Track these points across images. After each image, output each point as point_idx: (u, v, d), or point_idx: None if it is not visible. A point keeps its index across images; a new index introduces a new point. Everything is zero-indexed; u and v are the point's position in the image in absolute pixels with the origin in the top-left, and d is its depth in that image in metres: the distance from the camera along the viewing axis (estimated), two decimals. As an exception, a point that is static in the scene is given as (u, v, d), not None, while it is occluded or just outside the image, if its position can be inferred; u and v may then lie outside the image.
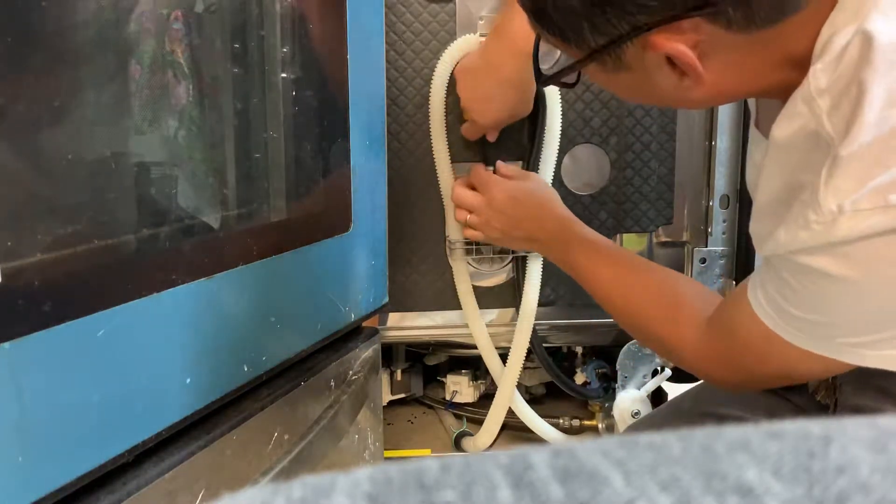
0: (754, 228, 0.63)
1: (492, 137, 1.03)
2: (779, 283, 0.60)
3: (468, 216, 0.97)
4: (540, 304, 1.10)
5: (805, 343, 0.61)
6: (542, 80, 0.68)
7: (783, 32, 0.54)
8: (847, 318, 0.57)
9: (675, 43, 0.54)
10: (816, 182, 0.52)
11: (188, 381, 0.61)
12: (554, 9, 0.55)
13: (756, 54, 0.56)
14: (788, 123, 0.56)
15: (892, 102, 0.49)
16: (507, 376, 1.13)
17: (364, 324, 0.95)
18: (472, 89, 0.97)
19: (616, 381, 1.21)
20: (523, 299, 1.09)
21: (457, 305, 1.11)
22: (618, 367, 1.20)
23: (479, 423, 1.22)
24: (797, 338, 0.61)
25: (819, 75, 0.53)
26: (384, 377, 1.26)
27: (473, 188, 0.99)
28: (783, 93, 0.57)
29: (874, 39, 0.50)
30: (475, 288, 1.11)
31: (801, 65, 0.55)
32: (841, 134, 0.51)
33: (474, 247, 1.09)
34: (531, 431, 1.22)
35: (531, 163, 1.05)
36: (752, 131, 0.73)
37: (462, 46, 1.01)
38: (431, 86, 1.03)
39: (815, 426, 0.21)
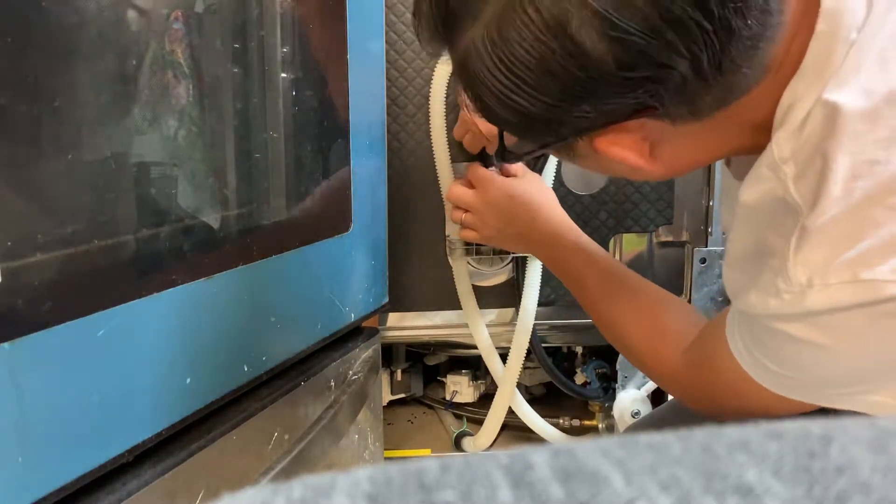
0: (727, 276, 0.63)
1: (491, 149, 1.03)
2: (753, 339, 0.60)
3: (463, 215, 0.97)
4: (540, 304, 1.10)
5: (780, 391, 0.61)
6: (507, 159, 0.69)
7: (739, 109, 0.53)
8: (819, 375, 0.58)
9: (618, 147, 0.54)
10: (786, 251, 0.52)
11: (188, 381, 0.61)
12: (499, 120, 0.55)
13: (713, 133, 0.55)
14: (755, 188, 0.55)
15: (857, 175, 0.49)
16: (507, 376, 1.13)
17: (364, 324, 0.95)
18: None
19: (616, 381, 1.21)
20: (523, 299, 1.09)
21: (457, 305, 1.11)
22: (618, 367, 1.20)
23: (479, 423, 1.22)
24: (771, 384, 0.61)
25: (782, 143, 0.52)
26: (384, 377, 1.26)
27: (472, 187, 0.99)
28: (751, 151, 0.57)
29: (836, 110, 0.49)
30: (475, 288, 1.11)
31: (765, 129, 0.54)
32: (809, 204, 0.51)
33: (474, 247, 1.09)
34: (531, 431, 1.22)
35: (531, 162, 1.05)
36: (724, 171, 0.72)
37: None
38: (432, 86, 1.03)
39: (815, 426, 0.21)
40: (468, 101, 0.56)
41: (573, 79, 0.48)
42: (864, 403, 0.58)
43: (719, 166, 1.10)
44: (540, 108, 0.51)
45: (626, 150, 0.54)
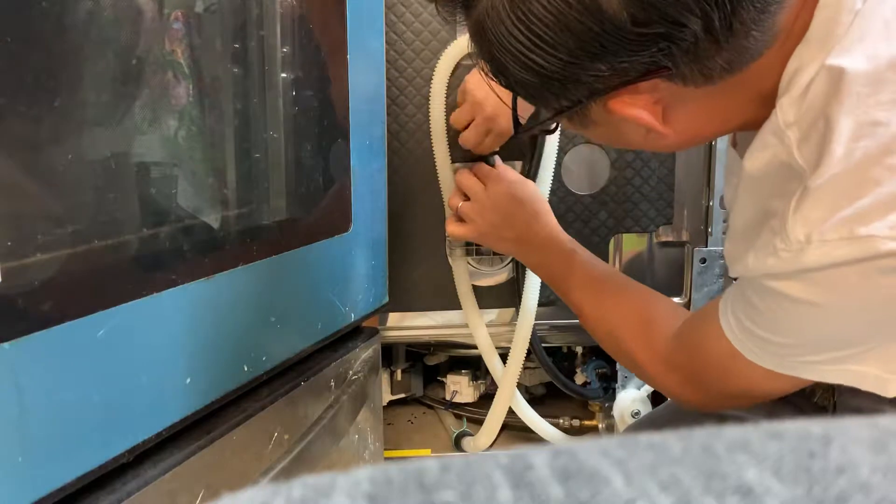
0: (728, 249, 0.64)
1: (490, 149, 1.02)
2: (745, 304, 0.61)
3: (461, 204, 0.96)
4: (540, 304, 1.10)
5: (767, 362, 0.62)
6: (520, 131, 0.69)
7: (748, 76, 0.54)
8: (809, 338, 0.58)
9: (632, 107, 0.55)
10: (786, 211, 0.53)
11: (188, 381, 0.61)
12: (516, 82, 0.56)
13: (722, 99, 0.56)
14: (760, 155, 0.57)
15: (859, 136, 0.50)
16: (507, 376, 1.13)
17: (364, 324, 0.95)
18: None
19: (616, 381, 1.21)
20: (523, 299, 1.09)
21: (457, 305, 1.11)
22: (618, 367, 1.20)
23: (479, 423, 1.22)
24: (760, 357, 0.62)
25: (786, 109, 0.54)
26: (384, 377, 1.26)
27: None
28: (758, 125, 0.58)
29: (839, 75, 0.51)
30: (475, 288, 1.11)
31: (771, 101, 0.56)
32: (812, 166, 0.52)
33: (474, 247, 1.09)
34: (531, 431, 1.22)
35: (532, 162, 1.05)
36: (730, 152, 0.73)
37: (463, 46, 1.01)
38: (432, 86, 1.03)
39: (815, 426, 0.21)
40: (484, 66, 0.57)
41: (590, 35, 0.49)
42: (850, 374, 0.58)
43: (718, 166, 1.10)
44: (557, 66, 0.52)
45: (638, 110, 0.55)
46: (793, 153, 0.53)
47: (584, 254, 0.89)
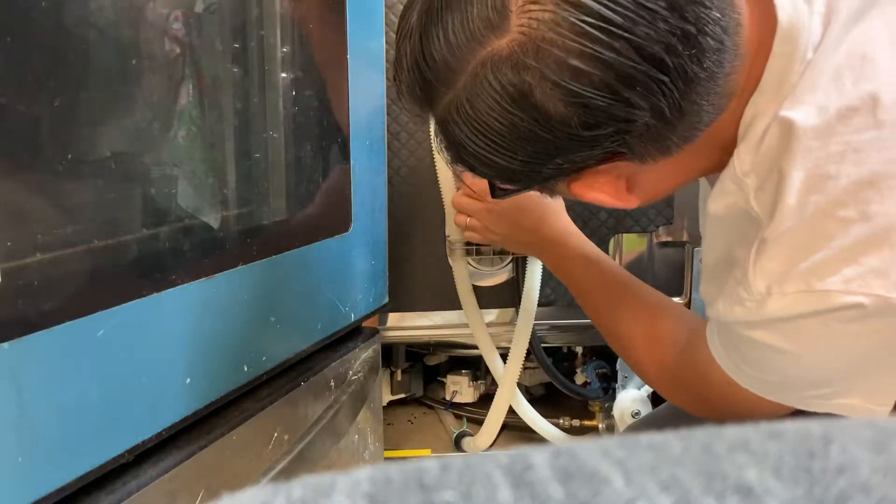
0: (702, 291, 0.65)
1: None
2: (728, 345, 0.62)
3: (468, 220, 0.97)
4: (540, 304, 1.10)
5: (762, 393, 0.63)
6: (496, 195, 0.71)
7: (707, 135, 0.55)
8: (791, 378, 0.60)
9: (593, 190, 0.57)
10: (746, 261, 0.54)
11: (188, 381, 0.61)
12: (480, 172, 0.58)
13: (684, 160, 0.57)
14: (721, 200, 0.58)
15: (810, 189, 0.51)
16: (507, 376, 1.13)
17: (364, 324, 0.95)
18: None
19: (616, 381, 1.21)
20: (523, 299, 1.09)
21: (457, 305, 1.11)
22: (618, 367, 1.20)
23: (479, 423, 1.22)
24: (754, 388, 0.63)
25: (743, 157, 0.55)
26: (384, 377, 1.26)
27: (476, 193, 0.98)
28: (722, 168, 0.59)
29: (790, 128, 0.51)
30: (475, 288, 1.11)
31: (733, 146, 0.57)
32: (768, 216, 0.53)
33: (474, 247, 1.09)
34: (531, 431, 1.22)
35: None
36: (703, 181, 0.74)
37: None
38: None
39: (815, 426, 0.21)
40: (448, 156, 0.59)
41: (543, 140, 0.51)
42: (838, 407, 0.60)
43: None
44: (516, 165, 0.54)
45: (599, 193, 0.57)
46: (750, 201, 0.55)
47: (594, 254, 0.89)
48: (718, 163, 0.59)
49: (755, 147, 0.54)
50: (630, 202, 0.59)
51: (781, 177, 0.52)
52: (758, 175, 0.54)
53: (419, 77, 0.53)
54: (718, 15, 0.49)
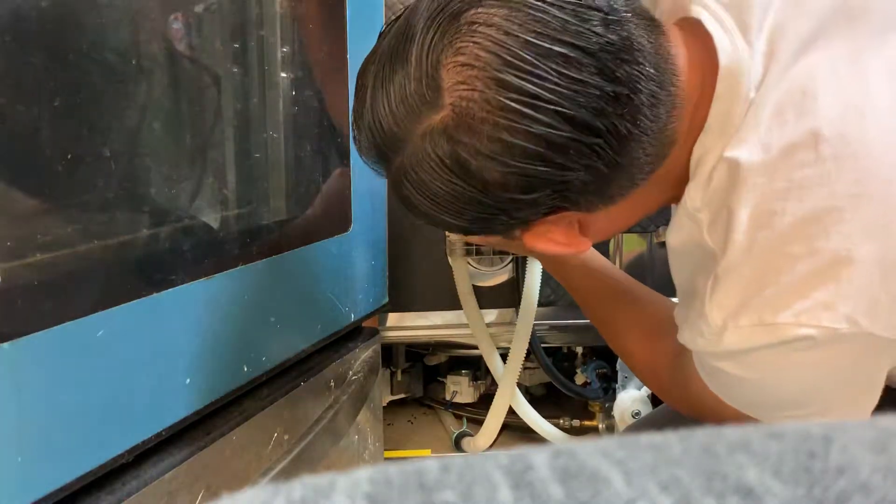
0: (675, 313, 0.66)
1: None
2: (702, 369, 0.63)
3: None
4: (540, 304, 1.10)
5: (745, 411, 0.63)
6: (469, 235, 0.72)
7: (657, 177, 0.56)
8: (767, 401, 0.61)
9: (544, 241, 0.58)
10: (703, 295, 0.55)
11: (188, 381, 0.61)
12: (434, 225, 0.59)
13: (636, 199, 0.58)
14: (677, 234, 0.59)
15: (759, 225, 0.52)
16: (506, 376, 1.13)
17: (364, 324, 0.95)
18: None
19: (616, 382, 1.21)
20: (523, 299, 1.09)
21: (457, 305, 1.11)
22: (618, 367, 1.20)
23: (479, 423, 1.22)
24: (740, 406, 0.63)
25: (693, 194, 0.56)
26: (384, 377, 1.26)
27: None
28: (678, 201, 0.59)
29: (736, 167, 0.52)
30: (475, 288, 1.11)
31: (685, 181, 0.57)
32: (721, 251, 0.54)
33: (474, 247, 1.09)
34: (531, 431, 1.22)
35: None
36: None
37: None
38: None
39: (815, 426, 0.21)
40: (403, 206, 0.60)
41: (484, 204, 0.53)
42: None
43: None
44: (464, 223, 0.56)
45: (549, 243, 0.58)
46: (704, 236, 0.55)
47: (594, 262, 0.89)
48: (672, 197, 0.60)
49: (704, 185, 0.55)
50: (584, 245, 0.60)
51: (730, 214, 0.53)
52: (710, 210, 0.55)
53: (372, 139, 0.55)
54: (652, 70, 0.50)
